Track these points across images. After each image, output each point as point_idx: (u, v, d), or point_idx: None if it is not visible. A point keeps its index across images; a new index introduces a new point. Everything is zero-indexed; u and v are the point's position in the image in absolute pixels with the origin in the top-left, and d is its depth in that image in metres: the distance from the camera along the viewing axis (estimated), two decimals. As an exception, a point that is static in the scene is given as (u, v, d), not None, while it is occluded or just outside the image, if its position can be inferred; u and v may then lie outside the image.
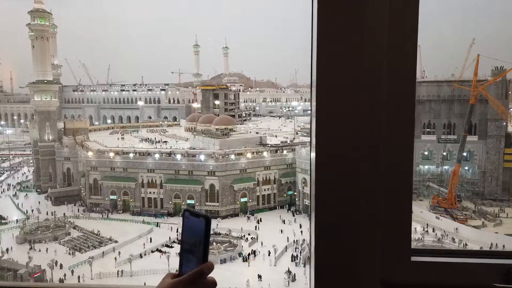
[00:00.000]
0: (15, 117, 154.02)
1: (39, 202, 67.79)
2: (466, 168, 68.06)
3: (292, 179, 66.00)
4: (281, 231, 53.68)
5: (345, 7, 1.58)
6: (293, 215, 60.53)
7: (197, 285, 1.12)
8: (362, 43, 1.60)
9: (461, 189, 65.71)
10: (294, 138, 76.87)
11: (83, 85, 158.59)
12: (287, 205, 64.53)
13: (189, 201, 62.40)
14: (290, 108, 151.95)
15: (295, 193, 64.96)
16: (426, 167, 70.87)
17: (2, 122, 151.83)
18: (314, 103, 1.67)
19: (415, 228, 53.40)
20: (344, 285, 1.69)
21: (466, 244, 48.55)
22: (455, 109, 69.43)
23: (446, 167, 67.30)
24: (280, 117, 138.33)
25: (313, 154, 1.70)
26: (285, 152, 67.66)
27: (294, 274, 41.52)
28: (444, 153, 69.04)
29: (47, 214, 61.77)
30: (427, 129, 71.38)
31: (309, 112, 1.85)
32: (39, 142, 79.35)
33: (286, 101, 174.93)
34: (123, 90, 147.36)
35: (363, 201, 1.65)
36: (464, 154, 65.17)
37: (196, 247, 1.15)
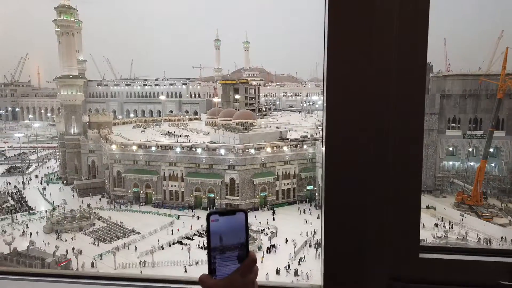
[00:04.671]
0: (42, 111, 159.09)
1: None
2: (493, 164, 66.02)
3: (312, 174, 65.74)
4: (305, 221, 54.61)
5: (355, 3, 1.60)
6: (310, 210, 60.44)
7: (252, 272, 1.20)
8: (371, 43, 1.61)
9: (487, 186, 63.83)
10: (315, 133, 76.38)
11: (107, 80, 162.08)
12: (307, 200, 64.42)
13: (209, 195, 63.14)
14: (311, 103, 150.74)
15: (315, 188, 64.70)
16: (451, 163, 69.15)
17: (30, 116, 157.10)
18: (325, 99, 1.71)
19: (438, 224, 52.51)
20: (353, 280, 1.71)
21: (491, 242, 47.36)
22: (482, 104, 67.30)
23: (471, 163, 65.50)
24: (300, 111, 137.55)
25: (324, 149, 1.74)
26: (305, 146, 67.39)
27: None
28: (470, 149, 67.16)
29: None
30: (452, 124, 69.52)
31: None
32: (65, 135, 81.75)
33: (307, 95, 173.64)
34: (146, 85, 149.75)
35: (372, 198, 1.68)
36: (491, 150, 63.22)
37: (240, 242, 1.16)
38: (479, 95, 67.31)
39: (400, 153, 1.66)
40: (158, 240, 49.39)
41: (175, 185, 65.19)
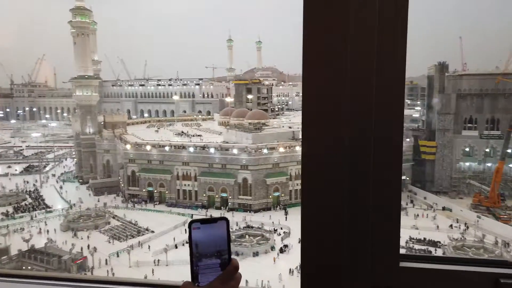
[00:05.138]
0: (58, 111, 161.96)
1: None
2: (511, 165, 64.70)
3: (325, 174, 65.31)
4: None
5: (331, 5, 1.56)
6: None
7: (234, 279, 1.20)
8: (347, 50, 1.56)
9: (505, 187, 62.58)
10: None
11: (121, 80, 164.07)
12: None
13: (222, 194, 63.41)
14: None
15: (328, 188, 64.28)
16: (467, 164, 68.00)
17: (47, 116, 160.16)
18: (303, 100, 1.65)
19: (453, 225, 51.69)
20: (332, 287, 1.66)
21: (509, 245, 46.41)
22: (499, 103, 66.03)
23: (488, 164, 64.32)
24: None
25: (301, 150, 1.70)
26: (318, 146, 67.02)
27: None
28: (487, 150, 65.93)
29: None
30: (469, 124, 68.37)
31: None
32: (81, 135, 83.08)
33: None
34: (159, 85, 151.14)
35: (350, 204, 1.62)
36: (509, 150, 61.93)
37: (221, 249, 1.19)
38: (497, 95, 66.07)
39: (381, 158, 1.60)
40: (174, 238, 49.65)
41: (189, 185, 65.66)
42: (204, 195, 64.38)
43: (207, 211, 61.49)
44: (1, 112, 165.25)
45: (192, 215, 59.29)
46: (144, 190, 67.34)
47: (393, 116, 1.59)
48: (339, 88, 1.59)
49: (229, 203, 62.83)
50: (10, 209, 60.80)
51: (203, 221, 1.19)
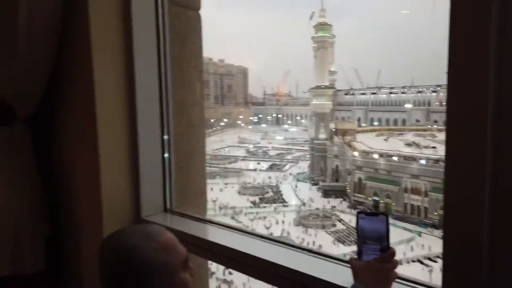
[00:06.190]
0: (298, 118, 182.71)
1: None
2: None
3: None
4: None
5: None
6: None
7: (391, 263, 1.43)
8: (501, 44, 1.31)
9: None
10: None
11: (354, 89, 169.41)
12: None
13: (458, 215, 55.92)
14: None
15: None
16: None
17: (289, 122, 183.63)
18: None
19: None
20: None
21: None
22: None
23: None
24: None
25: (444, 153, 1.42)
26: None
27: None
28: None
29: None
30: None
31: None
32: (314, 140, 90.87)
33: None
34: (391, 93, 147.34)
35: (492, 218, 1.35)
36: None
37: (381, 238, 1.44)
38: None
39: None
40: (404, 253, 47.06)
41: (418, 200, 61.19)
42: (435, 213, 58.44)
43: (430, 230, 55.50)
44: (256, 117, 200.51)
45: (420, 232, 54.97)
46: (369, 198, 67.17)
47: None
48: (483, 90, 1.28)
49: (466, 227, 54.69)
50: (257, 199, 72.74)
51: (367, 213, 1.46)
